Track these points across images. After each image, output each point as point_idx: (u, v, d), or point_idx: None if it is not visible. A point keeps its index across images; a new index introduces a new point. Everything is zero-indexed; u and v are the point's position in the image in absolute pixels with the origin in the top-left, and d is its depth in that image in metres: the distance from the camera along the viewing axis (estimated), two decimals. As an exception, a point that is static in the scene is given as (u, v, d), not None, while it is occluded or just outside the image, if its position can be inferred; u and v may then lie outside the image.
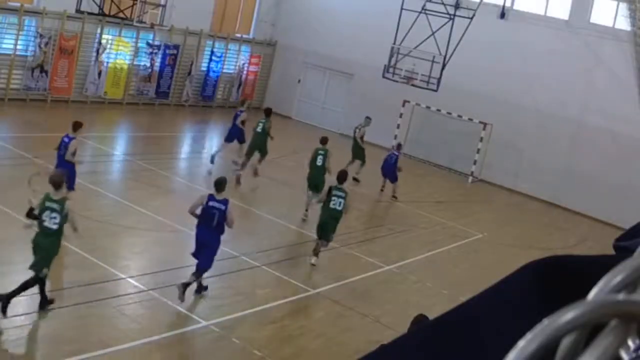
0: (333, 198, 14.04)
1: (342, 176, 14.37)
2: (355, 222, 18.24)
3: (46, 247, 9.91)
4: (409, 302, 13.34)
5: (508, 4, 26.05)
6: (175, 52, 27.42)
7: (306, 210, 16.97)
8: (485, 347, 0.68)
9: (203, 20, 28.07)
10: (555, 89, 24.68)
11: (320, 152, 17.40)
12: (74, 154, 13.85)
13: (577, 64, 24.16)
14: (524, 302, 0.69)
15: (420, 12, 24.08)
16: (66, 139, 14.00)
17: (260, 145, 19.31)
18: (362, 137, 22.03)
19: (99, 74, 25.12)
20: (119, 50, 25.78)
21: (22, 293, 9.83)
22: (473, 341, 0.69)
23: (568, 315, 0.50)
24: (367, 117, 22.50)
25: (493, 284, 0.73)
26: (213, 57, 29.02)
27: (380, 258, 15.56)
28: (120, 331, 10.17)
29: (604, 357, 0.49)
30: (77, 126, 14.30)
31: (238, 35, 30.16)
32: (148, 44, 26.65)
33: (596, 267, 0.64)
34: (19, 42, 22.95)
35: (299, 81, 30.75)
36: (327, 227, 14.07)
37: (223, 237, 11.66)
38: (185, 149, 24.03)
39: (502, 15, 26.06)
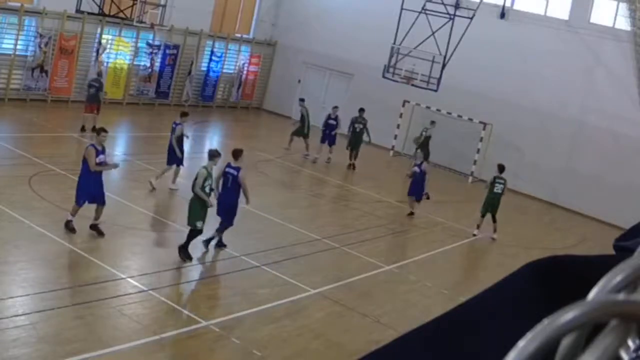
0: (496, 184, 18.23)
1: (501, 168, 18.46)
2: (355, 222, 18.23)
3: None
4: (409, 302, 13.35)
5: (508, 4, 26.04)
6: (175, 52, 27.41)
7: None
8: (486, 347, 0.68)
9: (203, 20, 28.06)
10: (555, 89, 24.67)
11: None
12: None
13: (577, 64, 24.15)
14: (524, 302, 0.69)
15: (420, 12, 24.07)
16: None
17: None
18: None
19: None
20: (119, 50, 25.79)
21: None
22: (473, 341, 0.70)
23: (568, 315, 0.50)
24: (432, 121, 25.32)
25: (493, 284, 0.73)
26: (213, 57, 29.01)
27: (380, 258, 15.55)
28: (120, 331, 10.17)
29: (604, 357, 0.49)
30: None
31: (238, 35, 30.16)
32: (148, 44, 26.64)
33: (596, 267, 0.64)
34: (19, 42, 22.96)
35: (299, 81, 30.74)
36: (493, 206, 18.24)
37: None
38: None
39: (502, 15, 26.05)
